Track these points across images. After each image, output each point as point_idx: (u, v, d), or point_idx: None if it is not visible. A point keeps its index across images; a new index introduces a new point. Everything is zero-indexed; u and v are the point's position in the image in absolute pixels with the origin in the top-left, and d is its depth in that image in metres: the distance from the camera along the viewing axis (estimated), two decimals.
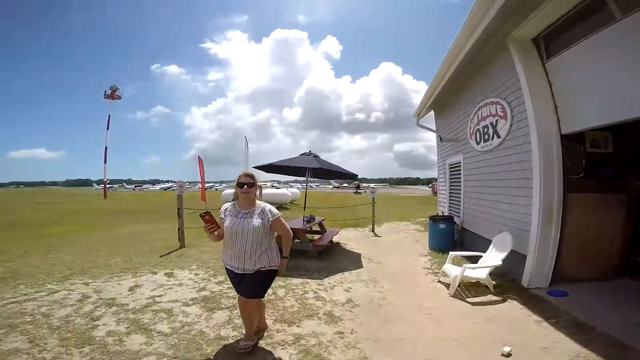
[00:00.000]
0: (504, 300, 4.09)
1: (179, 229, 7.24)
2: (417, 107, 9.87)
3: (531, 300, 4.01)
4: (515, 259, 4.58)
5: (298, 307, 3.89)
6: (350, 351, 2.92)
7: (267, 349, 2.92)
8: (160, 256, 6.35)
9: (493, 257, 4.66)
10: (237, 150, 13.48)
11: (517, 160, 4.88)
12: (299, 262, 5.88)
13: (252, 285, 2.79)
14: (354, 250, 7.23)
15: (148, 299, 4.06)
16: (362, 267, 5.85)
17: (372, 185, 72.54)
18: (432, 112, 10.07)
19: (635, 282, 4.38)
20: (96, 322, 3.33)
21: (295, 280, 4.89)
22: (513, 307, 3.89)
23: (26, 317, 3.43)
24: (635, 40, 3.13)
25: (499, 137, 5.45)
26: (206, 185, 12.88)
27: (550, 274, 4.38)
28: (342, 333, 3.26)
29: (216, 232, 2.79)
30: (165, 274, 5.13)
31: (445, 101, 8.53)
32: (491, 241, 5.01)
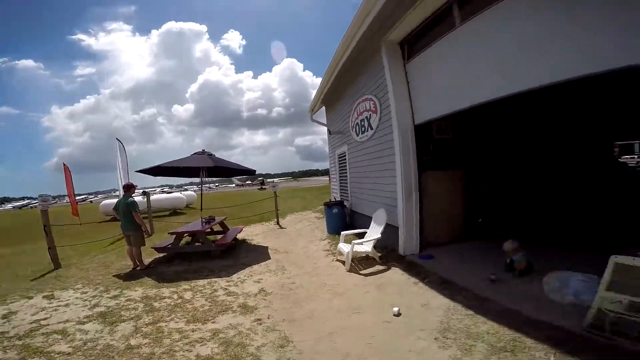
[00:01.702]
0: (388, 269, 4.87)
1: (49, 248, 6.26)
2: (311, 103, 10.53)
3: (408, 265, 4.84)
4: (392, 232, 5.46)
5: (209, 305, 3.98)
6: (270, 334, 3.18)
7: (186, 348, 2.96)
8: (32, 280, 5.51)
9: (374, 232, 5.45)
10: (115, 153, 11.05)
11: (386, 147, 5.74)
12: (202, 264, 5.86)
13: None
14: (261, 244, 7.45)
15: (31, 323, 3.65)
16: (269, 258, 6.14)
17: (275, 180, 73.19)
18: (324, 108, 10.88)
19: (481, 242, 5.52)
20: None
21: (202, 282, 4.91)
22: (396, 273, 4.67)
23: None
24: (462, 46, 4.07)
25: (372, 129, 6.35)
26: (77, 197, 11.17)
27: (418, 241, 5.33)
28: (260, 320, 3.52)
29: None
30: (44, 297, 4.55)
31: (334, 97, 9.32)
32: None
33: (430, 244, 5.45)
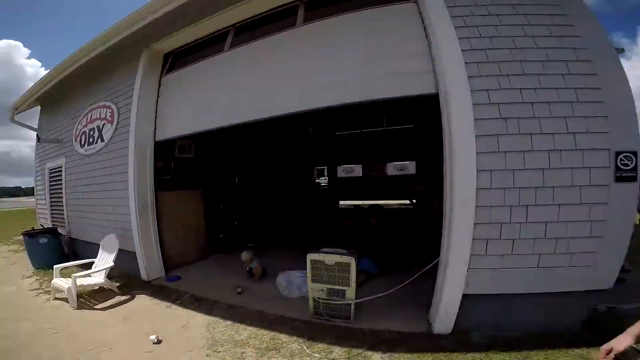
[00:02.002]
0: (132, 297, 4.39)
1: None
2: (17, 99, 7.83)
3: (155, 290, 4.57)
4: (132, 258, 4.96)
5: None
6: None
7: None
8: None
9: (105, 260, 4.76)
10: None
11: (118, 164, 5.18)
12: None
13: None
14: None
15: None
16: None
17: None
18: (39, 108, 8.32)
19: (225, 255, 6.03)
20: None
21: None
22: (143, 300, 4.28)
23: None
24: (217, 71, 4.38)
25: (103, 140, 5.55)
26: None
27: (162, 264, 5.13)
28: None
29: None
30: None
31: (59, 97, 7.26)
32: None
33: (177, 264, 5.40)
